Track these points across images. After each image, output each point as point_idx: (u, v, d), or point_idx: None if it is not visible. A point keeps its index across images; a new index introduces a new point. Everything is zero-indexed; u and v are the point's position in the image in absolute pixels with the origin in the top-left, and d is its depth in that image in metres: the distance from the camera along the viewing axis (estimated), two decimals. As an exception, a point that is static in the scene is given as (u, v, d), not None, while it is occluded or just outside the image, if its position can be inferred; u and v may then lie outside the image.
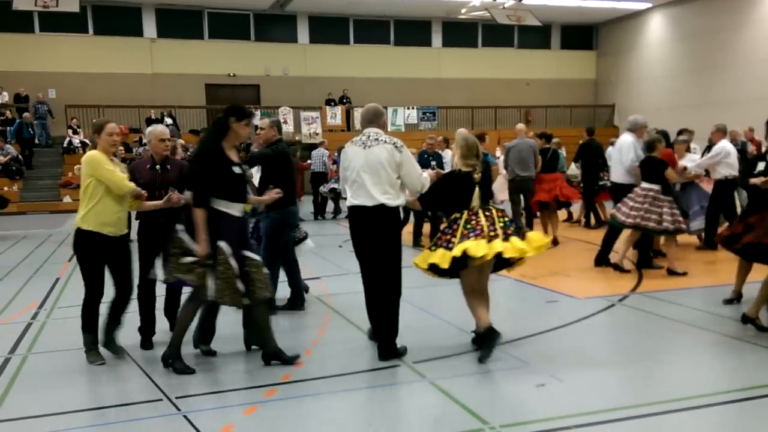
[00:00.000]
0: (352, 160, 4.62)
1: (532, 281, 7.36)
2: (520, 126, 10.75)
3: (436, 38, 26.04)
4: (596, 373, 4.34)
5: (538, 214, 10.45)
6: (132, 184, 4.58)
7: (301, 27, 24.66)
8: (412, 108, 24.26)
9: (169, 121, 20.79)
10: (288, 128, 22.85)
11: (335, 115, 23.50)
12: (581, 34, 27.34)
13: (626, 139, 8.02)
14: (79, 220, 4.55)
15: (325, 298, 6.49)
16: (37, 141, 19.85)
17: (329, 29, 24.80)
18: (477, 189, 4.66)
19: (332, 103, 23.69)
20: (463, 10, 22.14)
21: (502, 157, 11.39)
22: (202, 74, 22.98)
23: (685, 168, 8.41)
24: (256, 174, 5.95)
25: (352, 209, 4.62)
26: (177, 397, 4.02)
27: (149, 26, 22.77)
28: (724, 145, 8.62)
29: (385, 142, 4.61)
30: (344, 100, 24.03)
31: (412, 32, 25.56)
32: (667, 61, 23.81)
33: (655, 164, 7.32)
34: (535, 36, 25.99)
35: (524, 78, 26.21)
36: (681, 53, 23.16)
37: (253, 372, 4.50)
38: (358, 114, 23.90)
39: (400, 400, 4.05)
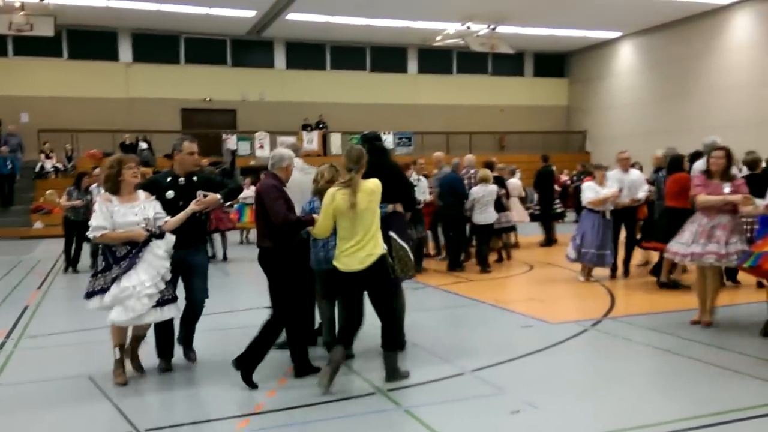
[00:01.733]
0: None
1: (506, 306, 7.42)
2: (437, 154, 10.89)
3: (412, 65, 26.35)
4: (570, 399, 4.36)
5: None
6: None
7: (278, 52, 24.80)
8: (389, 133, 24.43)
9: (143, 145, 20.67)
10: (264, 153, 22.87)
11: (312, 140, 23.56)
12: (553, 62, 27.88)
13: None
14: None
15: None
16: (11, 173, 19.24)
17: (306, 55, 24.97)
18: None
19: (309, 128, 23.76)
20: (438, 38, 22.46)
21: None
22: (178, 99, 22.93)
23: None
24: None
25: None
26: (147, 430, 3.95)
27: (125, 50, 22.72)
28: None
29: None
30: (321, 125, 24.13)
31: (389, 59, 25.85)
32: (637, 88, 24.36)
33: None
34: (509, 63, 26.44)
35: (499, 104, 26.58)
36: (650, 81, 23.71)
37: (226, 401, 4.45)
38: (335, 139, 24.04)
39: (374, 429, 4.02)
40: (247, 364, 4.63)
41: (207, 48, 23.65)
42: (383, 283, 4.67)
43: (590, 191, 8.61)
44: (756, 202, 5.69)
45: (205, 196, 4.95)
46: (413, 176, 9.91)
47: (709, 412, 4.00)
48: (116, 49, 22.57)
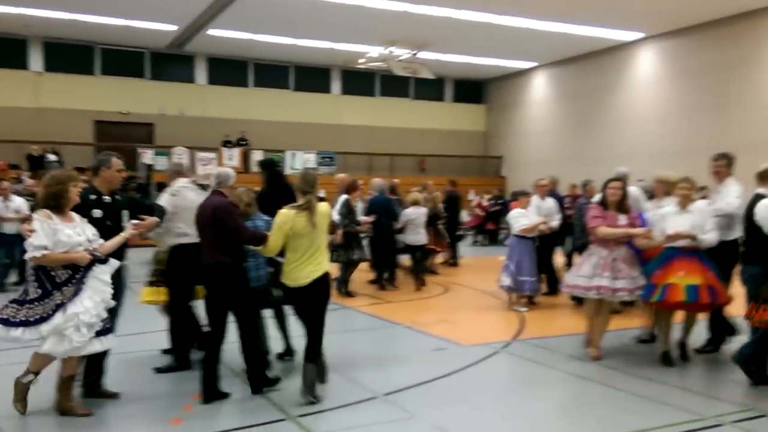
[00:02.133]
0: None
1: (422, 328, 7.53)
2: (340, 176, 11.06)
3: (336, 85, 26.51)
4: (478, 423, 4.47)
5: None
6: None
7: (199, 67, 24.39)
8: (311, 152, 24.43)
9: (53, 157, 19.76)
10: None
11: (232, 157, 23.23)
12: (472, 89, 28.72)
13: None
14: None
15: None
16: None
17: (228, 71, 24.66)
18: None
19: (229, 145, 23.43)
20: (361, 60, 22.71)
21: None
22: (91, 110, 22.10)
23: None
24: None
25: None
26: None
27: (36, 59, 21.72)
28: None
29: None
30: (242, 142, 23.84)
31: (312, 78, 25.90)
32: (550, 117, 25.42)
33: None
34: (430, 88, 27.03)
35: (419, 127, 27.10)
36: (562, 111, 24.81)
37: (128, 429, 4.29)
38: (256, 156, 23.77)
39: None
40: (259, 381, 4.93)
41: (124, 60, 22.93)
42: (326, 296, 4.93)
43: (524, 218, 8.59)
44: (653, 236, 5.82)
45: (141, 219, 4.83)
46: (356, 200, 10.02)
47: (606, 432, 4.19)
48: (26, 57, 21.56)
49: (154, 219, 5.00)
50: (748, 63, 18.33)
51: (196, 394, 4.83)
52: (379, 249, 10.35)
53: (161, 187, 8.04)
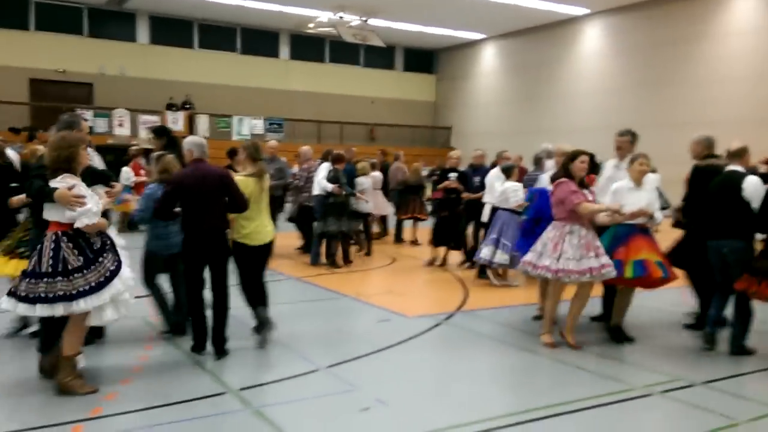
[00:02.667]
0: None
1: (367, 300, 7.55)
2: (305, 149, 10.81)
3: (284, 50, 25.98)
4: (418, 395, 4.52)
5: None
6: None
7: (141, 26, 23.50)
8: (259, 118, 23.99)
9: (-16, 117, 18.83)
10: (124, 132, 21.63)
11: (177, 121, 22.59)
12: (422, 58, 28.62)
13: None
14: None
15: (150, 318, 6.18)
16: None
17: (172, 31, 23.86)
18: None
19: (174, 108, 22.77)
20: (311, 25, 22.29)
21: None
22: (26, 68, 21.10)
23: None
24: None
25: None
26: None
27: (-35, 12, 20.55)
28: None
29: None
30: (187, 106, 23.20)
31: (260, 42, 25.31)
32: (499, 89, 25.61)
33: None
34: (380, 56, 26.80)
35: (369, 96, 26.90)
36: (510, 83, 25.01)
37: (56, 406, 4.12)
38: (202, 120, 23.20)
39: None
40: (220, 342, 5.15)
41: (61, 15, 21.91)
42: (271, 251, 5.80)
43: (521, 192, 7.97)
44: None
45: (111, 186, 4.71)
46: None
47: (545, 404, 4.29)
48: (-48, 9, 20.37)
49: (120, 186, 4.97)
50: (690, 41, 18.79)
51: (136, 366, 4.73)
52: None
53: (100, 150, 7.76)
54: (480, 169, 9.82)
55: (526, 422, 4.00)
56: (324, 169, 9.59)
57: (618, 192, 5.65)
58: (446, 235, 9.59)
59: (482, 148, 10.84)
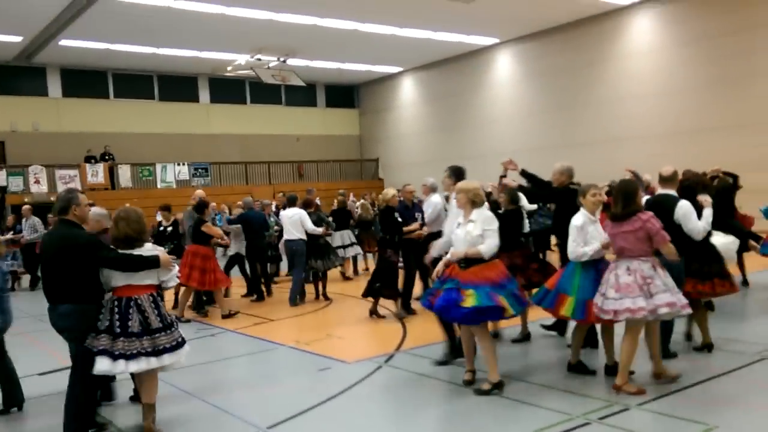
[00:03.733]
0: None
1: (306, 347, 7.43)
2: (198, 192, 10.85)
3: (204, 94, 25.75)
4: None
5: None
6: None
7: (52, 79, 22.83)
8: (183, 164, 23.59)
9: None
10: (42, 188, 20.82)
11: (97, 173, 21.96)
12: (344, 93, 28.94)
13: None
14: None
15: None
16: None
17: (85, 82, 23.31)
18: None
19: (93, 161, 22.10)
20: (229, 68, 22.22)
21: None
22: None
23: None
24: None
25: None
26: None
27: None
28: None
29: None
30: (107, 157, 22.56)
31: (179, 87, 25.02)
32: (419, 119, 26.13)
33: None
34: (301, 94, 26.93)
35: (294, 134, 26.93)
36: (430, 112, 25.58)
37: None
38: (123, 171, 22.57)
39: None
40: None
41: (-34, 74, 21.06)
42: None
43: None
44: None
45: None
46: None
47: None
48: None
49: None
50: (595, 63, 19.77)
51: None
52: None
53: (15, 210, 7.44)
54: (415, 206, 9.44)
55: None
56: (301, 216, 10.04)
57: (584, 227, 5.38)
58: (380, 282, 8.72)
59: (413, 176, 11.00)
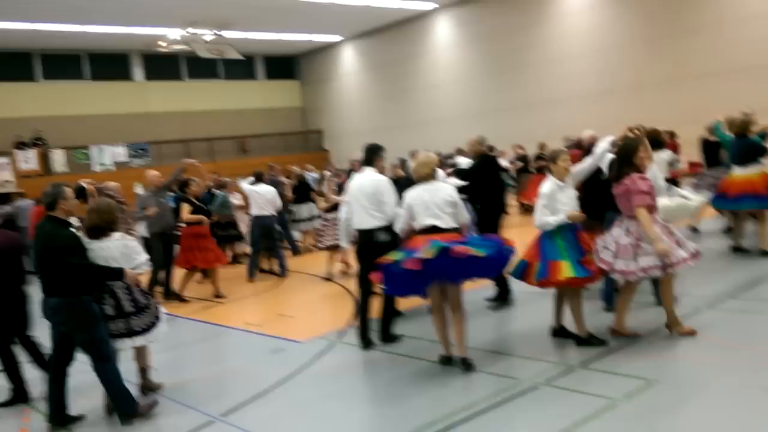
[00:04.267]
0: None
1: (257, 329, 7.37)
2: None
3: (138, 71, 24.87)
4: (319, 431, 4.49)
5: None
6: None
7: (-27, 64, 21.65)
8: (120, 145, 22.86)
9: None
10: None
11: (29, 159, 21.09)
12: (284, 65, 28.38)
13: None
14: None
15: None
16: None
17: (10, 65, 22.19)
18: None
19: (23, 147, 21.19)
20: (162, 43, 21.43)
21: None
22: None
23: None
24: None
25: None
26: None
27: None
28: None
29: None
30: (38, 142, 21.65)
31: (110, 66, 24.08)
32: (363, 88, 25.90)
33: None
34: (240, 67, 26.28)
35: (235, 108, 26.35)
36: (372, 81, 25.38)
37: None
38: (58, 156, 21.72)
39: None
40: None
41: None
42: None
43: None
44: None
45: None
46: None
47: (441, 415, 4.37)
48: None
49: None
50: (531, 25, 19.91)
51: None
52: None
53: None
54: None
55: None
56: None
57: (552, 195, 5.35)
58: None
59: (358, 146, 10.83)
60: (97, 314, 4.79)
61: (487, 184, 7.06)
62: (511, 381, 4.87)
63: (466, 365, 5.19)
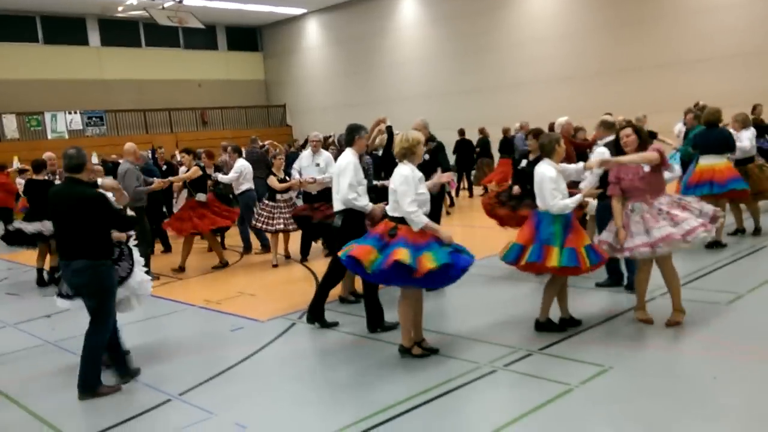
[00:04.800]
0: None
1: (217, 307, 7.30)
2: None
3: (94, 37, 24.05)
4: (278, 411, 4.45)
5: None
6: None
7: None
8: (75, 112, 22.16)
9: None
10: None
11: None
12: (246, 36, 27.82)
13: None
14: None
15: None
16: None
17: (-42, 24, 21.20)
18: None
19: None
20: (120, 8, 20.76)
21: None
22: None
23: None
24: None
25: None
26: None
27: None
28: None
29: None
30: (-13, 107, 20.85)
31: (65, 30, 23.22)
32: (326, 63, 25.60)
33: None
34: (201, 36, 25.67)
35: (196, 79, 25.78)
36: (337, 56, 25.10)
37: None
38: (8, 121, 20.93)
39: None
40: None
41: None
42: None
43: None
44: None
45: None
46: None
47: (397, 400, 4.40)
48: None
49: None
50: (496, 8, 19.93)
51: None
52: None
53: None
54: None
55: (386, 421, 4.11)
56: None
57: (557, 179, 5.30)
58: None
59: (321, 122, 10.80)
60: (115, 284, 4.98)
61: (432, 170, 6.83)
62: (471, 365, 4.93)
63: (401, 351, 5.22)
